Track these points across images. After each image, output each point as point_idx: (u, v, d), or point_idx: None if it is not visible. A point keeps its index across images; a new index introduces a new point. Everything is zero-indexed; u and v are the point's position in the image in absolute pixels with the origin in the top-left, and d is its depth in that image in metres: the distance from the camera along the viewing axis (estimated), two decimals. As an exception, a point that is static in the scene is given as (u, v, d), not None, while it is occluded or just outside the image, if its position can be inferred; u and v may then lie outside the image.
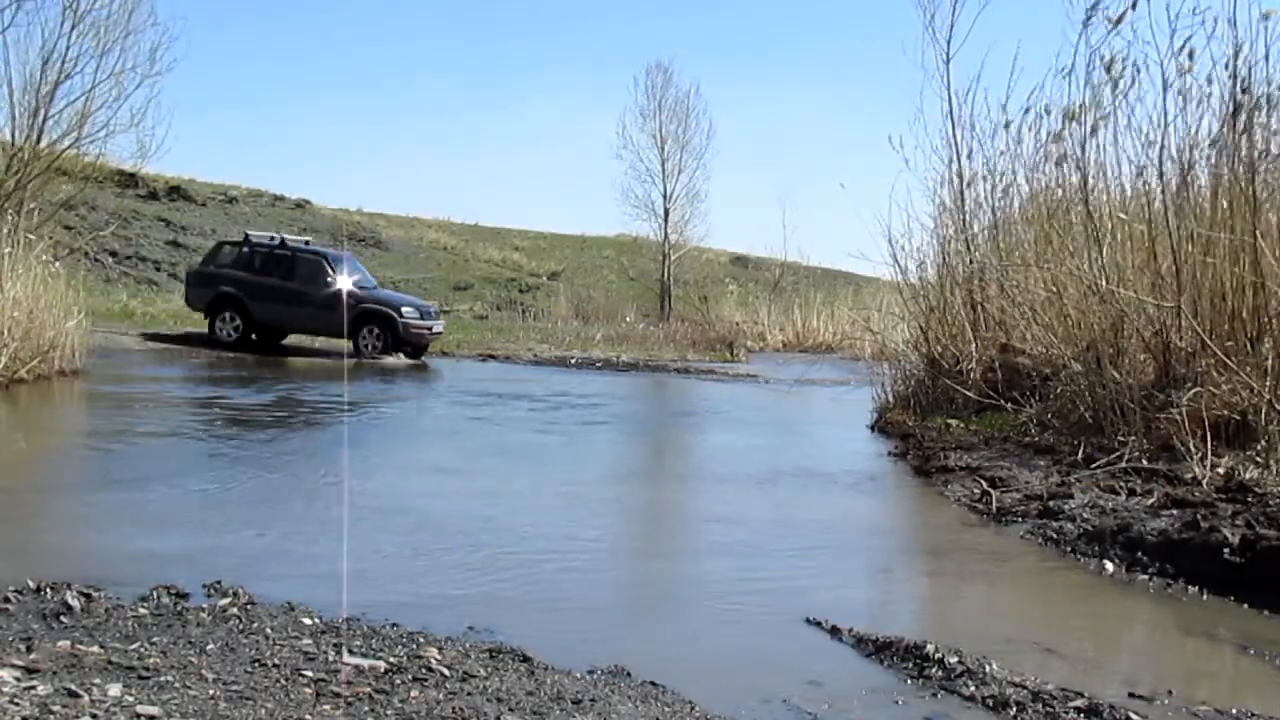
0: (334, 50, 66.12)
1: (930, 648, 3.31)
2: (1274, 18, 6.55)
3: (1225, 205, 6.69)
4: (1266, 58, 6.61)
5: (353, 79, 66.97)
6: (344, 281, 16.25)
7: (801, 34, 64.27)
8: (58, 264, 11.88)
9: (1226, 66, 6.72)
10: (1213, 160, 7.02)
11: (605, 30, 65.70)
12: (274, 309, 16.37)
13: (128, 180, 27.29)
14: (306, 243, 18.08)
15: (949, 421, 8.36)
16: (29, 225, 12.11)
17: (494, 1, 66.29)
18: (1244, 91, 6.68)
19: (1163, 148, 7.12)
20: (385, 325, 15.95)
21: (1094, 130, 7.52)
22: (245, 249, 16.90)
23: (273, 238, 17.44)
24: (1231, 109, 6.73)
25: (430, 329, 16.54)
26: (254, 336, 16.44)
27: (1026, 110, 8.68)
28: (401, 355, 15.91)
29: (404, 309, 16.24)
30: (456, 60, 66.40)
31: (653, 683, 3.04)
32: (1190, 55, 6.82)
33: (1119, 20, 6.80)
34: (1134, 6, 6.77)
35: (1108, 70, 7.36)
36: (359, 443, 7.85)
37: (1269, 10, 6.52)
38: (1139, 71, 7.18)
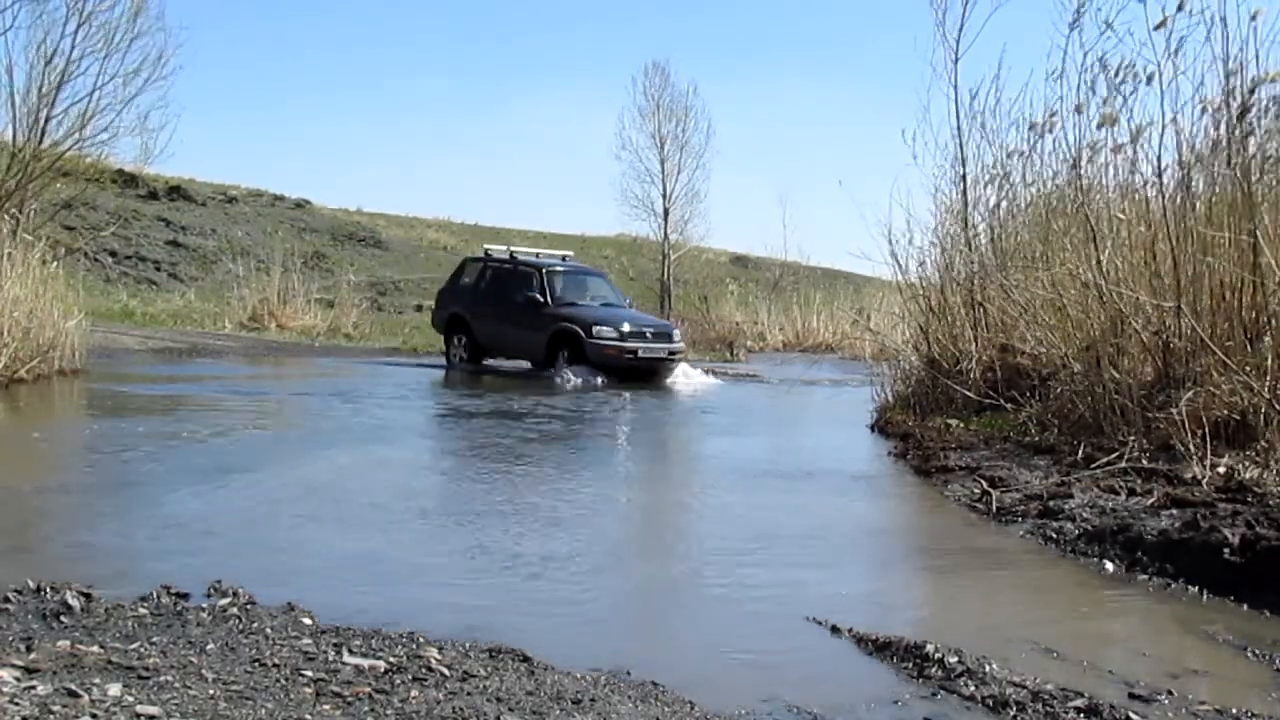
0: (334, 50, 66.21)
1: (930, 647, 3.31)
2: (1267, 17, 6.58)
3: (1223, 205, 6.70)
4: (1257, 57, 6.64)
5: (353, 79, 67.06)
6: (551, 296, 14.68)
7: (802, 34, 64.31)
8: (57, 264, 11.89)
9: (1217, 69, 6.76)
10: (1211, 160, 7.02)
11: (605, 30, 65.79)
12: (492, 330, 15.25)
13: (128, 180, 27.33)
14: (564, 257, 16.62)
15: (949, 421, 8.36)
16: (29, 225, 12.12)
17: (493, 2, 66.29)
18: (1246, 92, 6.69)
19: (1161, 148, 7.15)
20: (574, 346, 14.13)
21: (1136, 136, 7.50)
22: (482, 265, 15.90)
23: (507, 252, 16.21)
24: (1227, 109, 6.74)
25: (633, 352, 14.09)
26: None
27: (1051, 114, 8.67)
28: (579, 376, 13.70)
29: (595, 327, 14.08)
30: (456, 60, 66.48)
31: (653, 682, 3.04)
32: (1185, 55, 6.85)
33: (1160, 25, 6.81)
34: (1180, 7, 6.75)
35: (1104, 70, 7.38)
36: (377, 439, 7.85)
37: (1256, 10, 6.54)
38: (1139, 73, 7.19)
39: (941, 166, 9.94)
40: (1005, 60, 12.58)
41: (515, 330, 14.92)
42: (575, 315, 14.46)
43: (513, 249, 16.64)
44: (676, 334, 15.34)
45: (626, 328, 14.30)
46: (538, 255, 16.45)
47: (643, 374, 14.24)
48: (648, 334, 14.59)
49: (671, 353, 14.79)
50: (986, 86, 9.60)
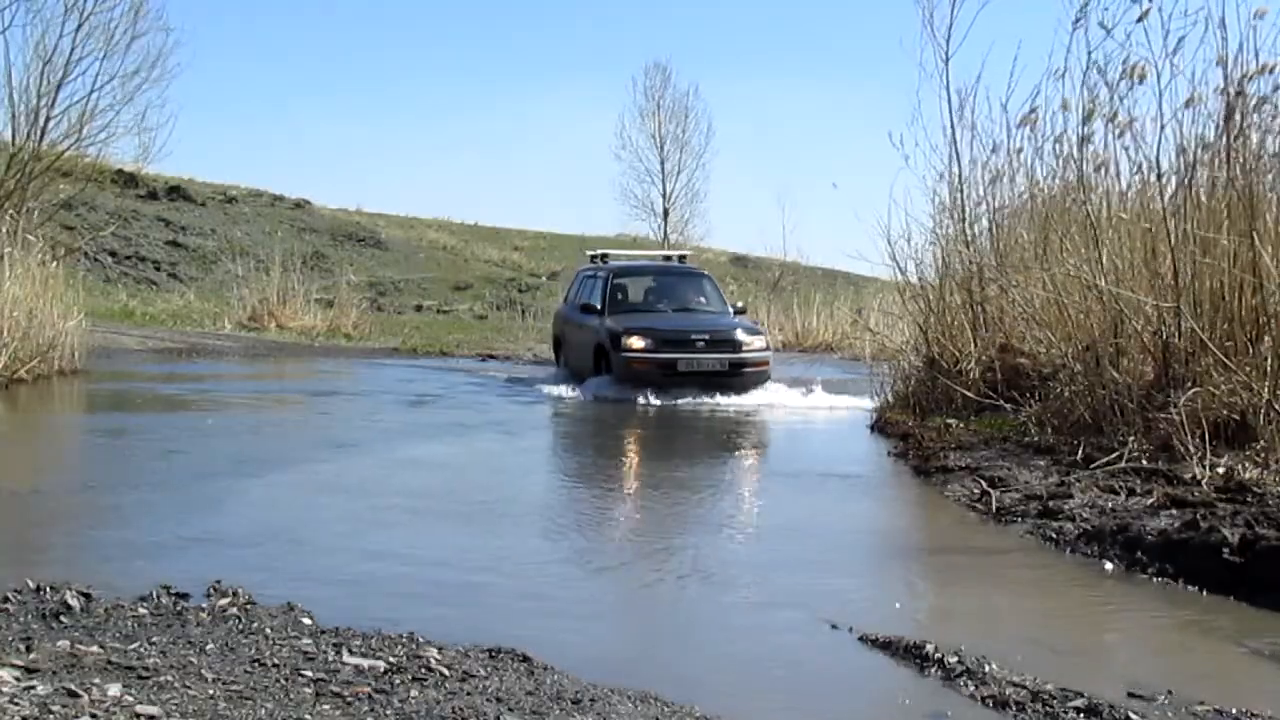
0: (334, 50, 66.18)
1: (930, 647, 3.31)
2: (1266, 18, 6.58)
3: (1224, 206, 6.70)
4: (1257, 58, 6.64)
5: (353, 79, 67.01)
6: (608, 303, 12.34)
7: (802, 34, 64.26)
8: (57, 264, 11.91)
9: (1221, 67, 6.75)
10: (1210, 160, 7.02)
11: (605, 30, 65.73)
12: (568, 345, 13.32)
13: (127, 180, 27.34)
14: (680, 258, 14.76)
15: (948, 421, 8.35)
16: (29, 225, 12.13)
17: (494, 2, 66.32)
18: (1238, 94, 6.68)
19: (1160, 147, 7.14)
20: (607, 360, 11.70)
21: (1122, 132, 7.51)
22: (580, 274, 14.00)
23: (600, 256, 14.18)
24: (1226, 110, 6.74)
25: (670, 365, 11.29)
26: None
27: (1031, 110, 8.68)
28: (585, 392, 11.60)
29: (623, 338, 11.50)
30: (456, 60, 66.44)
31: (652, 683, 3.04)
32: (1184, 56, 6.85)
33: (1142, 17, 6.82)
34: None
35: (1101, 72, 7.39)
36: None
37: (1261, 10, 6.54)
38: (1138, 73, 7.18)
39: (936, 167, 9.92)
40: (1000, 59, 12.56)
41: (578, 345, 12.92)
42: (614, 324, 11.92)
43: (606, 252, 14.59)
44: (756, 341, 11.97)
45: (666, 337, 11.61)
46: (668, 258, 14.79)
47: (699, 390, 11.30)
48: (699, 343, 11.60)
49: (735, 365, 11.57)
50: (978, 86, 9.55)
